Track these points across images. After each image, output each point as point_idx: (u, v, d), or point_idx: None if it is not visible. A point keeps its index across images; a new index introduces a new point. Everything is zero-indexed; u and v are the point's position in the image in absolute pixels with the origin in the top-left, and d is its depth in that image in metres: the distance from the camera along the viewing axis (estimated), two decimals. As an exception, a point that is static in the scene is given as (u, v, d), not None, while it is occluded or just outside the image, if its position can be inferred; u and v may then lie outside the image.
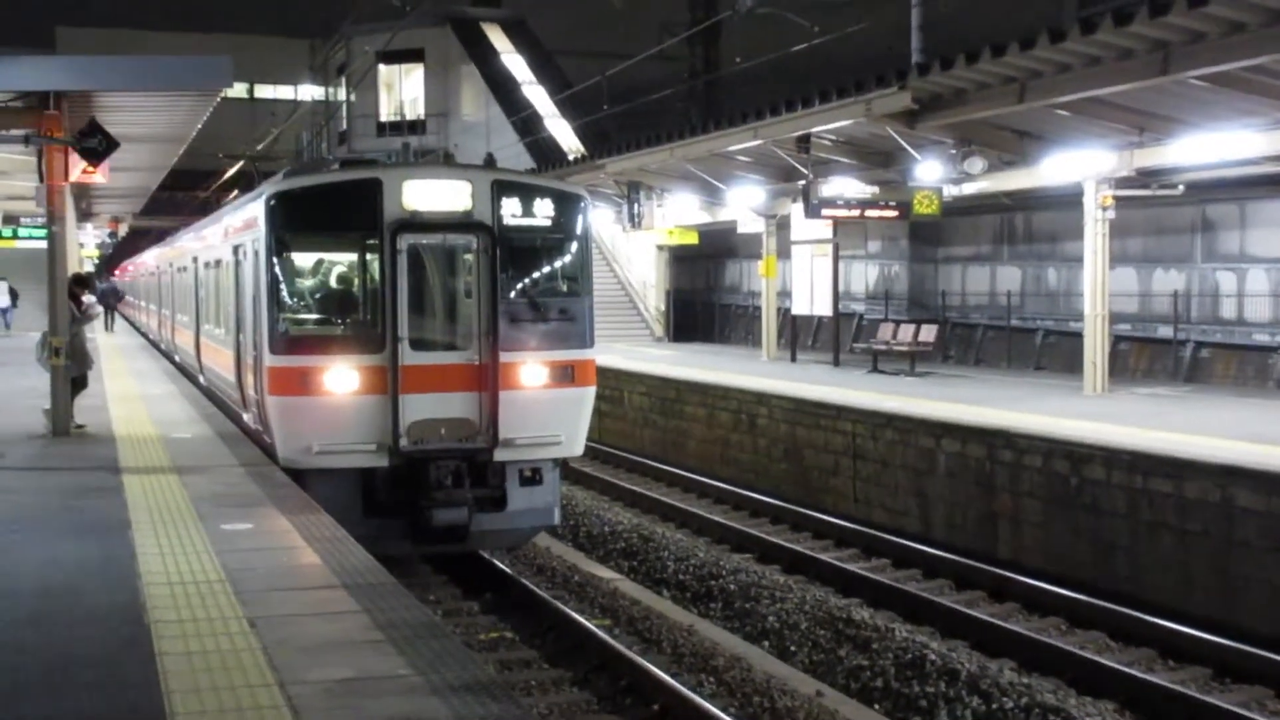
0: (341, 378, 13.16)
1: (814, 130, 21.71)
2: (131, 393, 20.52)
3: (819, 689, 10.58)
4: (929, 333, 24.05)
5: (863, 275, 31.11)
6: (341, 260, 14.04)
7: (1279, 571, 12.07)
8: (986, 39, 16.71)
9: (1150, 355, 23.15)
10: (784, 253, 28.24)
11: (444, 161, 16.02)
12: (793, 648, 12.39)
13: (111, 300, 46.31)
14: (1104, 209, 19.11)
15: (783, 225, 27.67)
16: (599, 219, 32.65)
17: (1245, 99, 15.48)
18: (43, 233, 18.59)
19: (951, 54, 17.45)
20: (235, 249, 15.76)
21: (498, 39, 54.27)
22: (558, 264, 14.33)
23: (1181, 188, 19.69)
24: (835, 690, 10.80)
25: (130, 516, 10.32)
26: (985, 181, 20.99)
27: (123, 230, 47.46)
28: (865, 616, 13.07)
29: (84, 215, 37.93)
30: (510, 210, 13.72)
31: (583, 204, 14.35)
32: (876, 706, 10.93)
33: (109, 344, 34.88)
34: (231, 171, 48.07)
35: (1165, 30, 14.01)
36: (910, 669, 11.53)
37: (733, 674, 10.93)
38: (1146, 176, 19.10)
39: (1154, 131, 17.77)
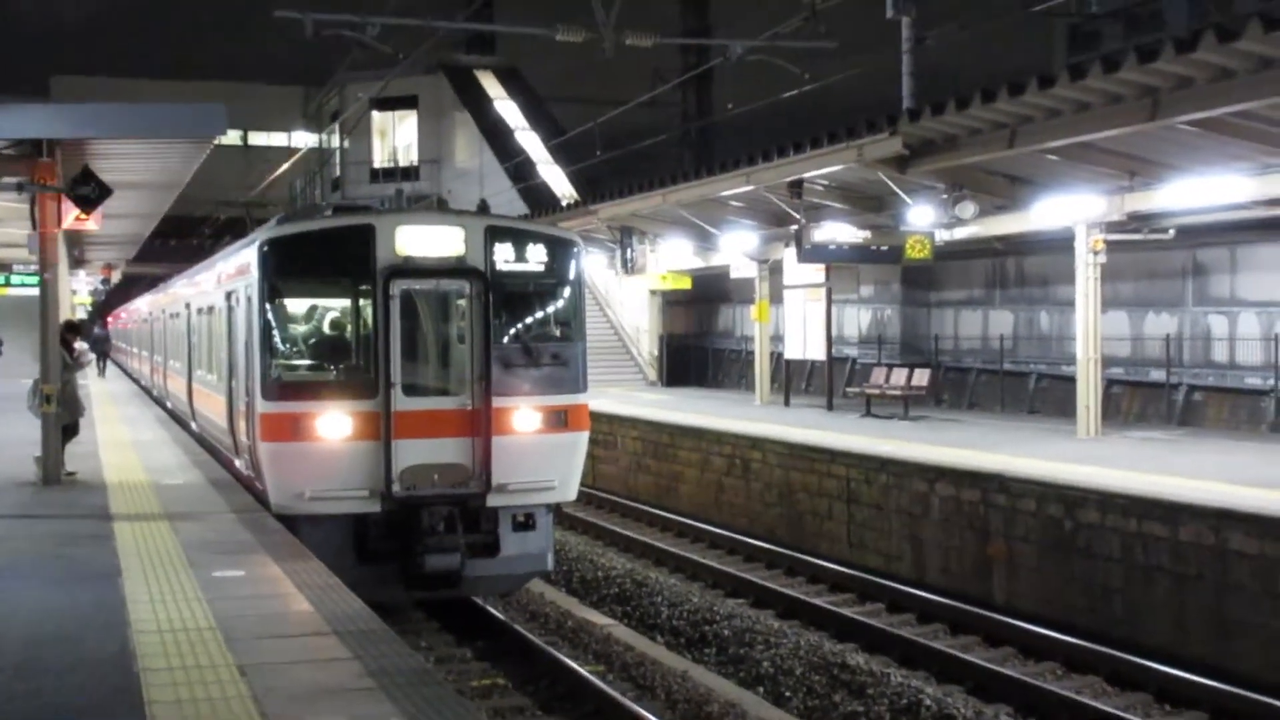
0: (334, 423, 13.14)
1: (806, 175, 21.81)
2: (123, 439, 20.46)
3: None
4: (922, 377, 24.07)
5: (855, 319, 31.16)
6: (334, 306, 14.05)
7: (1273, 615, 12.03)
8: (978, 85, 16.81)
9: (1143, 399, 23.17)
10: (776, 297, 28.30)
11: (437, 207, 16.09)
12: (787, 693, 12.31)
13: (104, 347, 46.25)
14: (1095, 253, 19.18)
15: (775, 270, 27.74)
16: (592, 264, 32.73)
17: (1234, 144, 15.58)
18: (35, 280, 18.59)
19: (942, 99, 17.56)
20: (228, 295, 15.77)
21: (491, 86, 54.59)
22: (550, 309, 14.35)
23: (1172, 232, 19.77)
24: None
25: (121, 564, 10.27)
26: (977, 226, 21.07)
27: (116, 277, 47.47)
28: (860, 661, 13.00)
29: (77, 262, 37.93)
30: (503, 256, 13.75)
31: (575, 249, 14.39)
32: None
33: (101, 390, 34.81)
34: (225, 218, 48.20)
35: (1154, 76, 14.12)
36: (905, 714, 11.46)
37: (728, 719, 10.86)
38: (1137, 221, 19.18)
39: (1144, 176, 17.87)
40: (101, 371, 44.15)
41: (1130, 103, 14.85)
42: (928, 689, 12.06)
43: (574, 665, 12.27)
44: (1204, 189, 17.08)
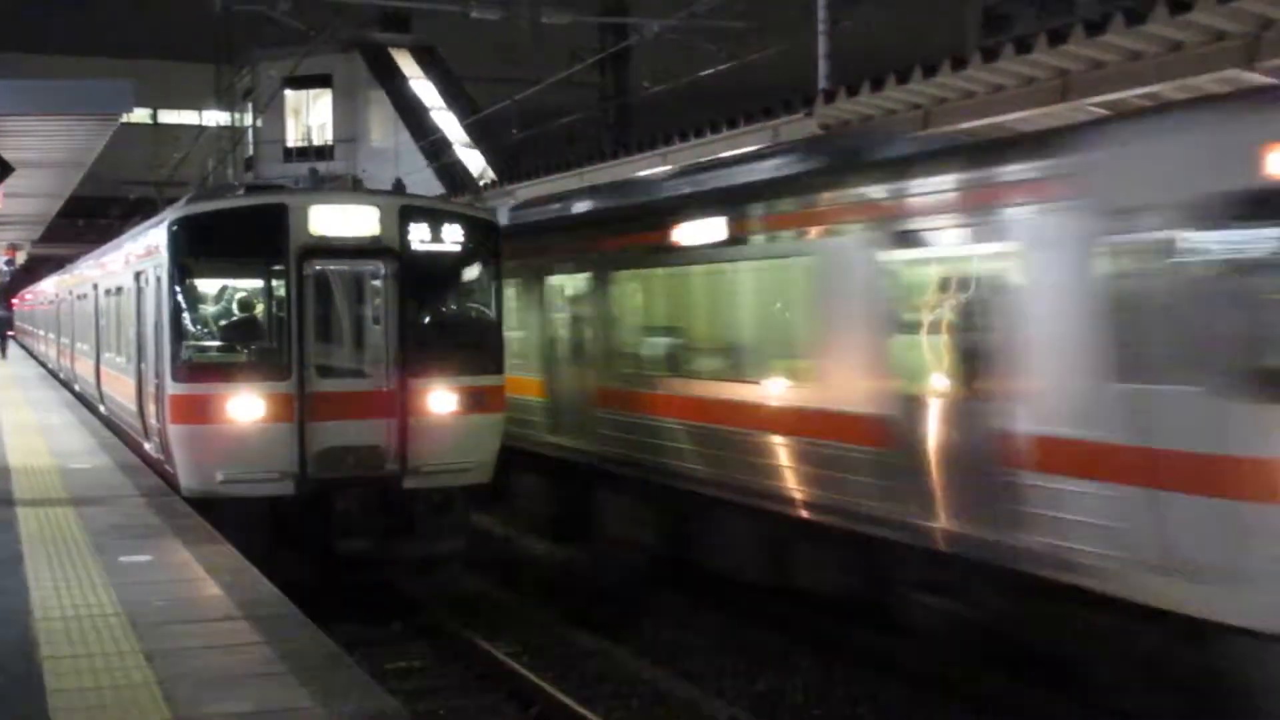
0: (246, 405, 12.96)
1: (722, 156, 21.79)
2: (28, 423, 20.05)
3: (733, 714, 10.57)
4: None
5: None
6: (246, 286, 13.86)
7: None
8: (896, 67, 16.88)
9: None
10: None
11: (351, 187, 15.92)
12: (705, 672, 12.32)
13: (3, 328, 45.47)
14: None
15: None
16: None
17: (1142, 126, 15.79)
18: (-65, 259, 18.14)
19: (857, 81, 17.63)
20: (137, 275, 15.49)
21: (407, 65, 54.02)
22: (467, 289, 14.26)
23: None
24: (748, 714, 10.77)
25: (24, 550, 10.05)
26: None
27: (21, 258, 46.47)
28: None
29: (-21, 242, 37.09)
30: (418, 236, 13.63)
31: (492, 229, 14.29)
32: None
33: (5, 374, 34.10)
34: (135, 198, 47.37)
35: (1065, 59, 14.27)
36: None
37: (643, 699, 10.88)
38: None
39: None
40: (2, 353, 43.34)
41: (1042, 84, 15.00)
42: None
43: (489, 647, 12.22)
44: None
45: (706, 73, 25.17)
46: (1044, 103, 15.23)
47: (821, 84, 25.09)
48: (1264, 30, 11.33)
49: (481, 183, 38.72)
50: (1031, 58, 14.42)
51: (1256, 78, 11.44)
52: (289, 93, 52.46)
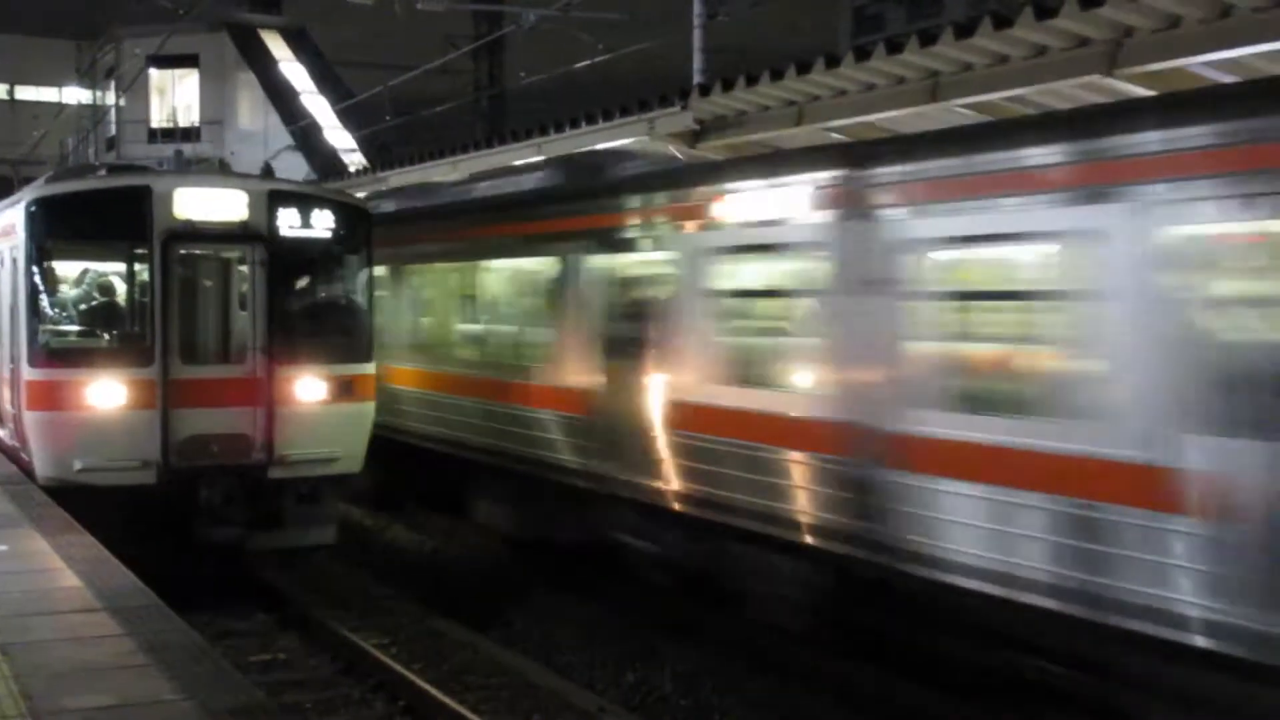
0: (107, 392, 12.66)
1: (597, 147, 21.80)
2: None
3: (601, 705, 10.61)
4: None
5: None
6: (108, 270, 13.55)
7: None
8: (772, 64, 17.05)
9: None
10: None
11: (219, 170, 15.67)
12: (575, 664, 12.35)
13: None
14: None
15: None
16: (381, 232, 32.10)
17: (1008, 128, 16.15)
18: None
19: (733, 76, 17.76)
20: (-9, 257, 15.01)
21: (277, 47, 53.12)
22: (337, 277, 14.12)
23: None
24: (616, 706, 10.83)
25: None
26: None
27: None
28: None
29: None
30: (287, 221, 13.44)
31: (363, 216, 14.16)
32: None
33: None
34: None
35: (935, 60, 14.55)
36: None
37: (513, 691, 10.86)
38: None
39: (924, 157, 18.39)
40: None
41: (913, 85, 15.26)
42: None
43: (356, 639, 12.10)
44: (979, 171, 17.66)
45: (582, 64, 25.17)
46: (914, 103, 15.51)
47: (697, 78, 25.26)
48: (1125, 37, 11.67)
49: (353, 169, 38.26)
50: (902, 58, 14.67)
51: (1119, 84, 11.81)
52: (154, 72, 51.25)
